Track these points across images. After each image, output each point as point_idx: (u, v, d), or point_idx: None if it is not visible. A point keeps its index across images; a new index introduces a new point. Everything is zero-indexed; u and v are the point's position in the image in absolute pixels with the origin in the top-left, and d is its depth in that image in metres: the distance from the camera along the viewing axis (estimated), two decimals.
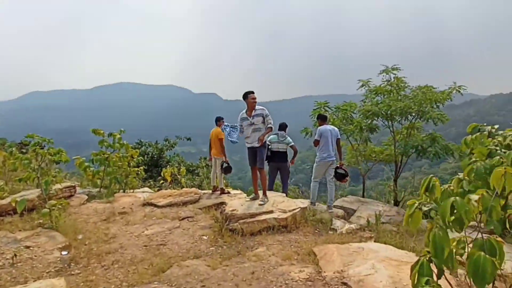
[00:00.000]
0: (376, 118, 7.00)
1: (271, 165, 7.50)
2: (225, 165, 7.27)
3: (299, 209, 5.42)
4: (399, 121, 6.97)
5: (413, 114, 6.61)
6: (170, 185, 8.38)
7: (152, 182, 11.70)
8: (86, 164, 7.99)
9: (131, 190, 8.35)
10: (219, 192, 7.78)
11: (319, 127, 6.51)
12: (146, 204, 6.63)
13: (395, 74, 7.13)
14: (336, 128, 6.55)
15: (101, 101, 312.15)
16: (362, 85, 7.58)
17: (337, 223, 5.40)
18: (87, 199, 7.07)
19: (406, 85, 7.06)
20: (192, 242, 4.76)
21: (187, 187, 8.10)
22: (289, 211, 5.30)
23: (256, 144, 5.57)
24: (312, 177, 6.64)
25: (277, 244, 4.60)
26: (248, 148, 5.79)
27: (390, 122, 7.10)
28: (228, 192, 7.67)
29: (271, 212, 5.27)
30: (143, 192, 8.63)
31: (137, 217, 5.89)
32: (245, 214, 5.16)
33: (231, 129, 5.93)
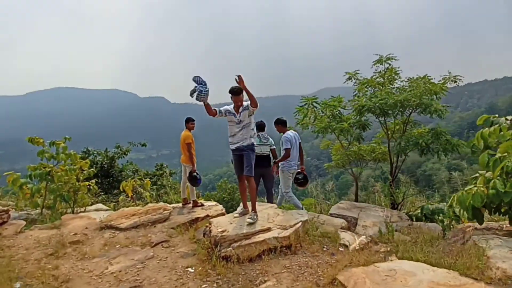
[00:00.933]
0: (370, 114, 6.34)
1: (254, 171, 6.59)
2: (193, 174, 6.21)
3: (301, 223, 4.53)
4: (395, 116, 6.37)
5: (413, 108, 6.02)
6: (132, 201, 7.06)
7: (104, 196, 10.18)
8: (22, 180, 6.45)
9: (82, 209, 6.94)
10: (190, 205, 6.68)
11: (284, 135, 5.96)
12: (105, 227, 5.34)
13: (389, 64, 6.54)
14: (296, 133, 6.16)
15: (36, 109, 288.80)
16: (349, 78, 6.90)
17: (346, 236, 4.58)
18: (25, 225, 5.61)
19: (398, 76, 6.51)
20: (176, 279, 3.64)
21: (152, 201, 6.85)
22: (290, 226, 4.38)
23: (244, 143, 4.61)
24: (284, 190, 6.07)
25: (287, 272, 3.66)
26: (233, 150, 4.79)
27: (383, 118, 6.49)
28: (202, 205, 6.61)
29: (269, 229, 4.32)
30: (97, 210, 7.24)
31: (95, 246, 4.62)
32: (238, 235, 4.15)
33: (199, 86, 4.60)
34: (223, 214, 6.51)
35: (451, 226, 5.31)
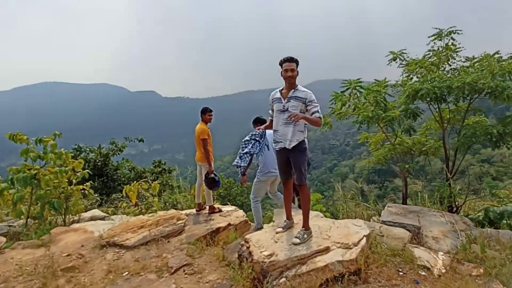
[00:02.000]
0: (424, 100, 5.29)
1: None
2: (210, 176, 5.17)
3: (365, 239, 3.50)
4: (457, 102, 5.32)
5: (481, 92, 4.94)
6: (137, 208, 5.94)
7: (98, 198, 9.04)
8: (3, 185, 5.32)
9: (76, 217, 5.83)
10: (206, 210, 5.64)
11: None
12: (106, 244, 4.25)
13: (452, 39, 5.43)
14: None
15: (23, 104, 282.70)
16: (394, 58, 5.81)
17: (421, 254, 3.57)
18: (5, 242, 4.50)
19: (457, 55, 5.41)
20: None
21: (160, 209, 5.74)
22: (354, 244, 3.34)
23: (287, 144, 3.51)
24: (253, 196, 5.04)
25: None
26: (277, 151, 3.72)
27: (437, 105, 5.46)
28: (220, 210, 5.59)
29: (328, 249, 3.28)
30: (93, 218, 6.15)
31: (96, 275, 3.52)
32: (291, 259, 3.10)
33: (254, 139, 3.86)
34: (246, 222, 5.50)
35: None
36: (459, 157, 5.60)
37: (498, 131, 4.69)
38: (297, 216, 4.10)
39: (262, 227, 5.01)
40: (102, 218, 6.53)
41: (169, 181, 13.69)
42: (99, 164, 11.64)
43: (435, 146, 5.77)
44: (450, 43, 5.37)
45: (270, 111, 3.76)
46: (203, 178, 5.34)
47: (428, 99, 5.11)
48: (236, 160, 3.94)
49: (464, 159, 5.76)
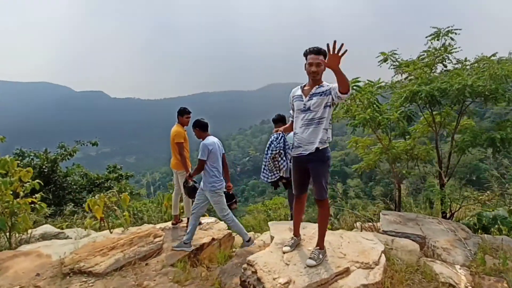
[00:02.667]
0: (419, 103, 5.04)
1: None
2: (190, 184, 4.54)
3: (383, 255, 3.11)
4: (453, 105, 5.12)
5: (480, 95, 4.77)
6: (103, 223, 5.06)
7: (46, 209, 7.91)
8: None
9: (24, 234, 4.88)
10: (184, 223, 5.01)
11: (203, 141, 4.36)
12: (70, 272, 3.47)
13: (450, 38, 5.20)
14: (219, 140, 4.55)
15: None
16: (385, 60, 5.50)
17: (442, 270, 3.24)
18: None
19: (452, 57, 5.23)
20: None
21: (128, 224, 4.93)
22: (375, 263, 2.94)
23: (308, 149, 2.99)
24: (223, 214, 4.45)
25: None
26: (294, 158, 3.18)
27: (430, 108, 5.24)
28: (199, 223, 4.98)
29: (348, 271, 2.84)
30: (45, 236, 5.24)
31: None
32: (311, 286, 2.61)
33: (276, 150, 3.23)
34: (230, 235, 4.94)
35: None
36: (452, 161, 5.47)
37: (501, 136, 4.56)
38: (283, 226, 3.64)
39: (251, 239, 4.49)
40: (56, 235, 5.62)
41: (127, 188, 12.66)
42: (45, 170, 10.37)
43: (427, 150, 5.60)
44: (447, 43, 5.20)
45: (290, 111, 3.23)
46: (181, 186, 4.70)
47: (424, 101, 4.89)
48: (263, 175, 3.33)
49: None
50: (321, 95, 2.92)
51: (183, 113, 4.75)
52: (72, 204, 10.11)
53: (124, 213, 4.73)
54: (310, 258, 2.92)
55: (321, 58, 2.87)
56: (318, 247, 3.04)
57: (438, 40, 5.23)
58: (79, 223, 7.53)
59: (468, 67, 5.20)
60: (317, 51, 2.88)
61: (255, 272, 2.83)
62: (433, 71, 5.37)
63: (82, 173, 12.30)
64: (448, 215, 5.29)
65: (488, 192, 5.47)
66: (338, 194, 7.35)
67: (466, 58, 5.25)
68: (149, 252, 3.93)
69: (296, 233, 3.35)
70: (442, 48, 5.15)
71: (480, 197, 5.49)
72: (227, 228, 5.04)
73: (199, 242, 4.36)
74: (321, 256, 2.95)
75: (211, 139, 4.29)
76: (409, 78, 5.52)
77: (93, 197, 4.84)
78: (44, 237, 5.54)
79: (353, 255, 3.07)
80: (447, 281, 3.04)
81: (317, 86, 2.96)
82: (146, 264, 3.73)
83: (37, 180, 4.98)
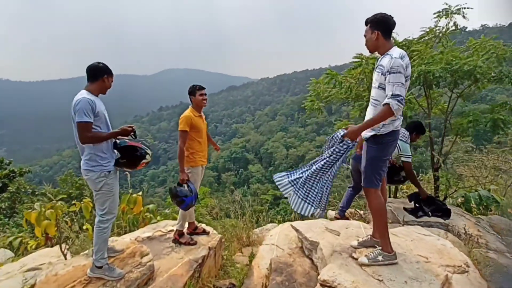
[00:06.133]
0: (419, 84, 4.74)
1: None
2: (175, 187, 3.49)
3: (461, 252, 2.68)
4: (453, 87, 4.93)
5: (491, 76, 4.65)
6: (49, 243, 3.46)
7: None
8: None
9: None
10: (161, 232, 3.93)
11: None
12: None
13: (456, 17, 4.93)
14: None
15: None
16: None
17: (507, 262, 2.95)
18: None
19: (447, 38, 5.03)
20: None
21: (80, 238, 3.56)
22: (465, 264, 2.46)
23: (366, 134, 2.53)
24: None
25: None
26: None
27: (428, 90, 5.01)
28: (207, 233, 3.99)
29: (447, 280, 2.30)
30: None
31: None
32: None
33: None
34: (220, 240, 4.03)
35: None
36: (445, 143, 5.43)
37: (505, 118, 4.59)
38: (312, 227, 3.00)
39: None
40: None
41: (27, 188, 10.32)
42: None
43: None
44: (452, 24, 5.01)
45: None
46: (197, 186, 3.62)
47: (431, 81, 4.64)
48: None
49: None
50: (379, 69, 2.47)
51: (194, 90, 3.60)
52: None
53: (84, 226, 3.39)
54: (365, 256, 2.52)
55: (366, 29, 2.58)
56: (380, 249, 2.51)
57: (446, 18, 5.04)
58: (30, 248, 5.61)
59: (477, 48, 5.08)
60: (365, 23, 2.60)
61: None
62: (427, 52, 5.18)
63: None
64: (442, 198, 5.25)
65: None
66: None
67: (471, 39, 5.15)
68: (142, 280, 2.83)
69: (375, 233, 2.72)
70: (452, 26, 4.96)
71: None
72: (213, 230, 4.11)
73: (198, 256, 3.37)
74: (380, 258, 2.43)
75: None
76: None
77: (31, 207, 3.37)
78: None
79: (436, 257, 2.56)
80: None
81: (381, 58, 2.51)
82: None
83: None
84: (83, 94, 2.56)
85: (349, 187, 4.44)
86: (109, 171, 2.64)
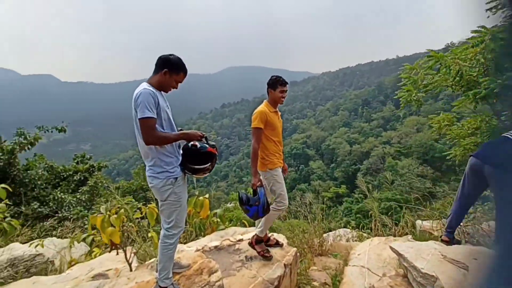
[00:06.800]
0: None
1: None
2: (244, 195, 2.98)
3: None
4: None
5: None
6: (115, 250, 3.27)
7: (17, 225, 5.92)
8: None
9: None
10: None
11: None
12: None
13: None
14: None
15: None
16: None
17: None
18: None
19: None
20: None
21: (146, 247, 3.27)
22: None
23: None
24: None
25: None
26: None
27: None
28: (280, 245, 3.51)
29: None
30: (16, 262, 3.58)
31: None
32: None
33: None
34: (295, 254, 3.50)
35: None
36: None
37: None
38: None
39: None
40: (32, 259, 3.95)
41: (104, 182, 10.72)
42: (0, 164, 8.28)
43: None
44: None
45: None
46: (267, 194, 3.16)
47: None
48: None
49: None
50: None
51: (275, 83, 3.09)
52: (38, 204, 8.22)
53: (150, 234, 3.09)
54: None
55: None
56: None
57: None
58: (59, 236, 5.75)
59: None
60: None
61: None
62: None
63: (46, 165, 10.21)
64: None
65: None
66: None
67: None
68: None
69: None
70: None
71: None
72: (286, 241, 3.60)
73: (273, 276, 2.87)
74: None
75: None
76: None
77: (97, 210, 3.16)
78: (15, 263, 3.85)
79: None
80: None
81: None
82: None
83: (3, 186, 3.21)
84: (143, 85, 2.17)
85: (458, 196, 3.34)
86: (176, 178, 2.24)
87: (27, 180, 8.77)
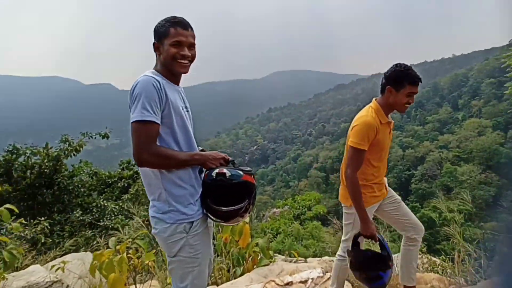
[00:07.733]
0: None
1: None
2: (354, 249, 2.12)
3: None
4: None
5: None
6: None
7: (35, 228, 5.51)
8: None
9: None
10: None
11: None
12: None
13: None
14: None
15: None
16: None
17: None
18: None
19: None
20: None
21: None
22: None
23: None
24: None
25: None
26: None
27: None
28: None
29: None
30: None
31: None
32: None
33: None
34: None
35: None
36: None
37: None
38: None
39: None
40: (50, 287, 3.49)
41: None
42: (47, 170, 8.16)
43: None
44: None
45: None
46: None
47: None
48: None
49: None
50: None
51: (402, 80, 2.08)
52: (80, 211, 8.03)
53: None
54: None
55: None
56: None
57: None
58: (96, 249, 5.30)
59: None
60: None
61: None
62: None
63: (90, 171, 10.13)
64: None
65: None
66: None
67: None
68: None
69: None
70: None
71: None
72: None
73: None
74: None
75: None
76: None
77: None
78: None
79: None
80: None
81: None
82: None
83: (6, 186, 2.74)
84: (146, 72, 1.42)
85: None
86: (192, 222, 1.45)
87: (71, 187, 8.62)
